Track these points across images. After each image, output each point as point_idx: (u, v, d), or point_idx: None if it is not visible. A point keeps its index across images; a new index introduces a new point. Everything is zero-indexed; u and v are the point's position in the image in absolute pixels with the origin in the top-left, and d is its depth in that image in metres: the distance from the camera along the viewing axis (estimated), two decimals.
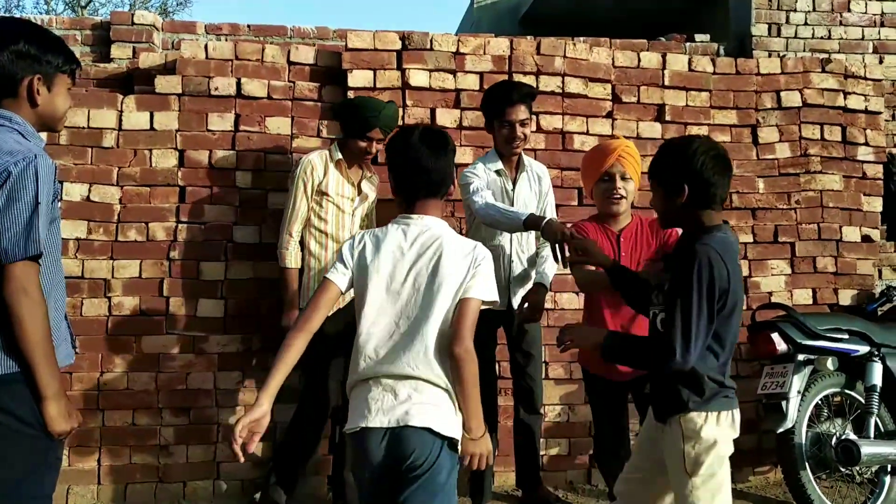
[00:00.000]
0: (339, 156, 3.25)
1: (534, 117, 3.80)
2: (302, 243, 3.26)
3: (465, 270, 1.90)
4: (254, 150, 3.60)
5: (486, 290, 1.91)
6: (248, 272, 3.54)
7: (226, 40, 4.04)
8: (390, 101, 3.32)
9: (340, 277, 1.93)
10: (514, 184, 3.21)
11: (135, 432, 3.42)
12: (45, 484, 1.80)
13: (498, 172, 3.19)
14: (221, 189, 3.56)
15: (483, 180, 3.11)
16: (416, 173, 1.99)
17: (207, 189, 3.56)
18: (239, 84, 3.60)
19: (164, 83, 3.56)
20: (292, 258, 3.22)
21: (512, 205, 3.16)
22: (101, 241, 3.45)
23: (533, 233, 3.30)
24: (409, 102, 3.71)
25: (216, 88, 3.57)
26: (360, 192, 3.32)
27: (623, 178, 2.76)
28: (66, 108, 1.91)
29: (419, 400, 1.84)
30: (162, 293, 3.48)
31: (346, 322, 3.10)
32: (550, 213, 3.35)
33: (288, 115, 3.65)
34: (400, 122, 3.69)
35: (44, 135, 1.92)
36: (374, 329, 1.89)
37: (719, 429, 2.00)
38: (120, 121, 3.51)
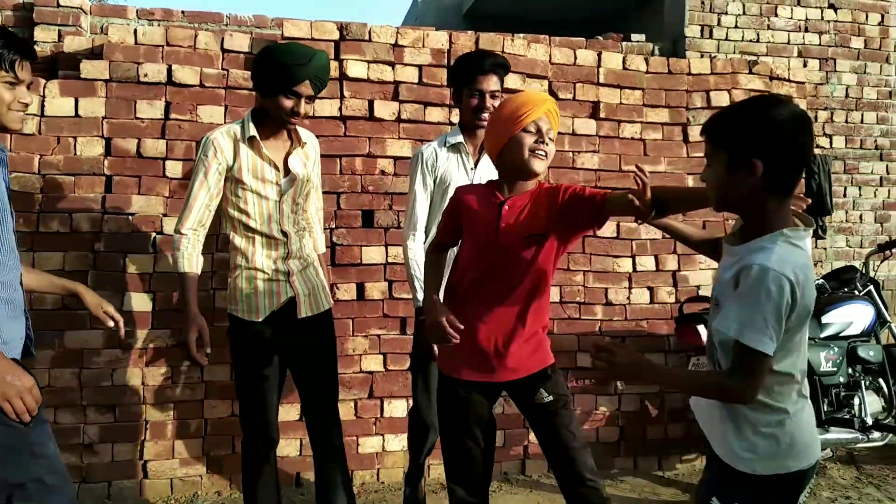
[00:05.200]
0: (253, 131, 2.57)
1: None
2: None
3: None
4: (184, 140, 3.50)
5: None
6: None
7: (158, 25, 3.91)
8: (321, 51, 2.63)
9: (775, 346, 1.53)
10: (477, 164, 2.99)
11: (57, 431, 3.21)
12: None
13: (457, 147, 2.96)
14: (150, 179, 3.45)
15: (429, 183, 2.96)
16: (801, 165, 1.58)
17: (135, 179, 3.44)
18: (170, 71, 3.49)
19: (90, 68, 3.42)
20: (184, 260, 2.55)
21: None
22: (21, 231, 3.29)
23: None
24: (346, 94, 3.67)
25: (145, 75, 3.46)
26: (287, 171, 2.66)
27: (549, 136, 2.25)
28: (6, 102, 1.80)
29: None
30: (86, 286, 3.34)
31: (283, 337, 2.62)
32: None
33: (221, 103, 3.56)
34: (336, 113, 3.67)
35: None
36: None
37: None
38: (42, 106, 3.37)
